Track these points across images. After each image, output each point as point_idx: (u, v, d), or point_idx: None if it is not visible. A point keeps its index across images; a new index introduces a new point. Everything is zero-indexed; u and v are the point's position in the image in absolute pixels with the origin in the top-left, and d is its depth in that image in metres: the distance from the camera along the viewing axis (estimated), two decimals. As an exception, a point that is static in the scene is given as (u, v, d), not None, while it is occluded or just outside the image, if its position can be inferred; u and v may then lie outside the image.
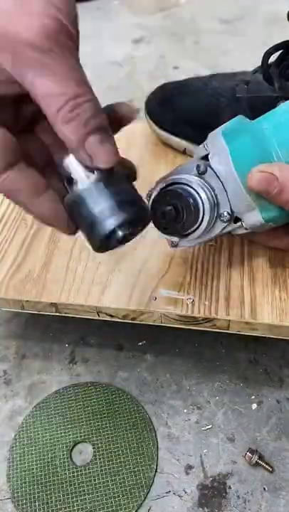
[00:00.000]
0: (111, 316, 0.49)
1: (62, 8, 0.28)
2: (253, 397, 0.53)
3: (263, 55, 0.56)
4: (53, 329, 0.60)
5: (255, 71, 0.58)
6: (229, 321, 0.46)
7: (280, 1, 1.27)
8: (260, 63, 0.57)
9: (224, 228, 0.44)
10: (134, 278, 0.50)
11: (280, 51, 0.55)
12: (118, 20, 1.28)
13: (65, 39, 0.27)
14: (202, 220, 0.43)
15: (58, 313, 0.50)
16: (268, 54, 0.55)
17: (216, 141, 0.43)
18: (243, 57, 1.06)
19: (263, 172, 0.39)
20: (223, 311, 0.46)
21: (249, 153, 0.41)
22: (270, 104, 0.54)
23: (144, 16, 1.28)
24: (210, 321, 0.47)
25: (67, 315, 0.50)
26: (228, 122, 0.44)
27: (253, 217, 0.43)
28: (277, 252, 0.51)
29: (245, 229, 0.43)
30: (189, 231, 0.44)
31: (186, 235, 0.45)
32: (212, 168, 0.43)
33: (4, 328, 0.61)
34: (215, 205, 0.43)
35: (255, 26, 1.16)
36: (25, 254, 0.53)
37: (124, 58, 1.12)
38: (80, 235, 0.34)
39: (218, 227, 0.44)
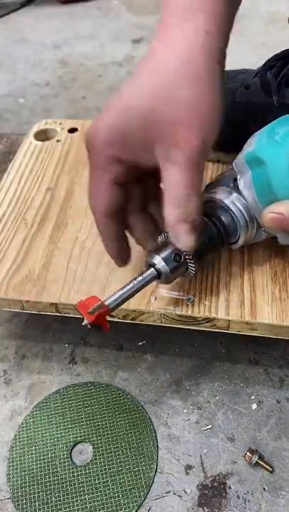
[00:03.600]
0: (111, 316, 0.49)
1: (207, 128, 0.37)
2: (253, 397, 0.53)
3: (262, 65, 0.56)
4: (53, 329, 0.60)
5: (254, 75, 0.58)
6: (229, 321, 0.46)
7: (280, 1, 1.27)
8: (260, 63, 0.57)
9: (269, 235, 0.46)
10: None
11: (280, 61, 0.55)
12: (118, 20, 1.28)
13: (200, 158, 0.37)
14: (239, 236, 0.45)
15: (58, 314, 0.50)
16: (266, 66, 0.55)
17: (240, 164, 0.44)
18: (243, 57, 1.06)
19: (273, 213, 0.41)
20: (223, 311, 0.46)
21: (269, 183, 0.41)
22: (270, 111, 0.54)
23: (144, 16, 1.28)
24: (210, 321, 0.47)
25: (67, 315, 0.50)
26: (253, 139, 0.44)
27: (283, 239, 0.45)
28: (278, 252, 0.51)
29: None
30: (230, 242, 0.46)
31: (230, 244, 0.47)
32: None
33: (4, 328, 0.61)
34: (253, 219, 0.44)
35: (255, 26, 1.16)
36: (25, 255, 0.53)
37: (124, 58, 1.12)
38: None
39: (263, 235, 0.46)
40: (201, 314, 0.46)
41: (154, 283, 0.45)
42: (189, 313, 0.47)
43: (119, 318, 0.49)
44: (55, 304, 0.49)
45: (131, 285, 0.41)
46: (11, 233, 0.56)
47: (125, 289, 0.41)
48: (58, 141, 0.68)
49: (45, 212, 0.58)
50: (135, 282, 0.41)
